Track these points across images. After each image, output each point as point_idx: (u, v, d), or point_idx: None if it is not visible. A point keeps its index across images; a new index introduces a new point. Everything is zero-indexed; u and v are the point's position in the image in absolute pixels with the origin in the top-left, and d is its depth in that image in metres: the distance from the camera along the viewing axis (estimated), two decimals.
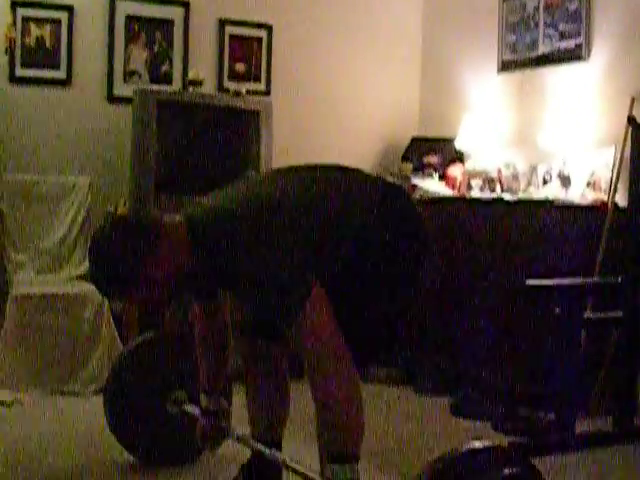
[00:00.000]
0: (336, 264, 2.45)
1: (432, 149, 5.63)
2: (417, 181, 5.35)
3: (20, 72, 4.95)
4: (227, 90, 5.35)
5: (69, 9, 5.03)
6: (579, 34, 4.81)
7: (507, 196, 4.81)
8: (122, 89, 5.16)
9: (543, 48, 5.06)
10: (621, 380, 4.04)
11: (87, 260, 4.78)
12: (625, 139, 4.25)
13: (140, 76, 5.25)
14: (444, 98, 5.84)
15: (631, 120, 4.13)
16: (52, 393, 4.32)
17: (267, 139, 5.08)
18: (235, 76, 5.52)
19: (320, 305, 2.26)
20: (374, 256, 2.49)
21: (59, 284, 4.68)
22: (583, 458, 3.60)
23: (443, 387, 4.64)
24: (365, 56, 5.92)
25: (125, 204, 4.86)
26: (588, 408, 4.13)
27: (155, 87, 5.19)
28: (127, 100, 4.98)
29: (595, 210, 4.37)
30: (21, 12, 4.92)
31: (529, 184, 4.95)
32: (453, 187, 5.30)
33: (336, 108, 5.84)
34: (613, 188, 4.39)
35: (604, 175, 4.50)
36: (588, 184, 4.57)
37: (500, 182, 5.06)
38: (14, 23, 4.88)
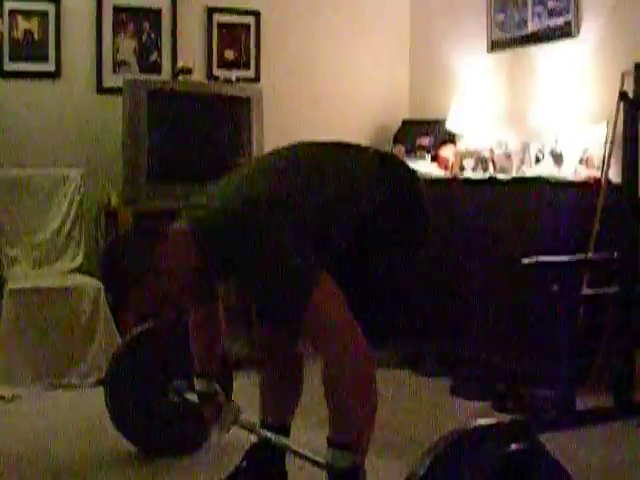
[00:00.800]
0: (341, 249, 2.45)
1: (423, 131, 5.63)
2: (409, 163, 5.32)
3: (8, 66, 4.94)
4: (217, 78, 5.35)
5: (56, 1, 5.01)
6: (568, 11, 4.79)
7: (500, 175, 4.80)
8: (112, 80, 5.15)
9: (532, 26, 5.05)
10: (619, 356, 4.05)
11: (86, 258, 4.85)
12: (617, 115, 4.23)
13: (129, 66, 5.24)
14: (434, 79, 5.83)
15: (622, 95, 4.12)
16: (50, 387, 4.31)
17: (258, 125, 5.08)
18: (224, 64, 5.50)
19: (329, 294, 2.26)
20: (380, 236, 2.51)
21: (54, 277, 4.67)
22: (583, 434, 3.62)
23: (444, 369, 4.65)
24: (354, 39, 5.90)
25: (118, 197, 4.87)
26: (587, 384, 4.15)
27: (145, 77, 5.18)
28: (117, 91, 4.95)
29: (588, 187, 4.37)
30: (8, 5, 4.90)
31: (522, 163, 4.95)
32: (445, 168, 5.29)
33: (326, 92, 5.83)
34: (606, 164, 4.39)
35: (597, 152, 4.50)
36: (581, 161, 4.57)
37: (492, 162, 5.05)
38: (1, 17, 4.86)
